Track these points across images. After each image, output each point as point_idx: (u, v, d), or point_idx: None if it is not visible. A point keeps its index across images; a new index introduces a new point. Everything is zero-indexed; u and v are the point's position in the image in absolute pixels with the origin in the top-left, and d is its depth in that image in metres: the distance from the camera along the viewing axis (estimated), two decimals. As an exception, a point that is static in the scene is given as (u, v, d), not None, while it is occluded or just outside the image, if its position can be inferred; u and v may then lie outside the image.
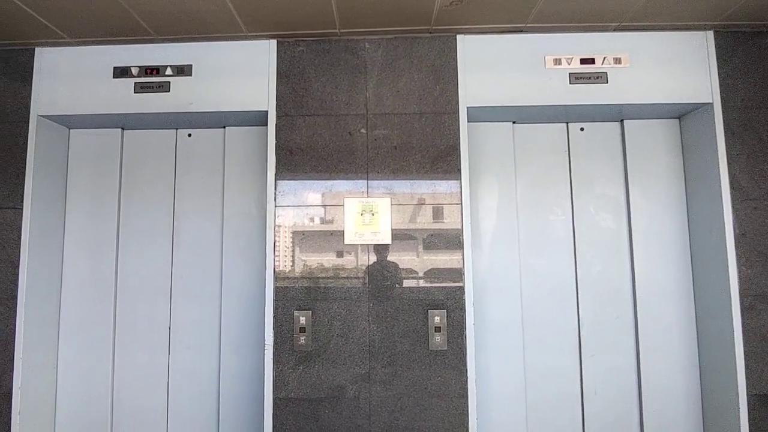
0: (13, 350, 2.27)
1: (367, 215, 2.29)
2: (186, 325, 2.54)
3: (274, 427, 2.19)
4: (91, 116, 2.42)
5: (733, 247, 2.20)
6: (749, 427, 2.13)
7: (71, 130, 2.60)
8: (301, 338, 2.23)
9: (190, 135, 2.63)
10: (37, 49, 2.42)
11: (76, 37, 2.33)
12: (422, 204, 2.29)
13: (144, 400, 2.51)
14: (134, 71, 2.39)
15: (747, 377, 2.15)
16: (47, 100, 2.39)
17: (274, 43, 2.37)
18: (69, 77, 2.40)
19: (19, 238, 2.32)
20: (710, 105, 2.28)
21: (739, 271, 2.20)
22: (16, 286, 2.30)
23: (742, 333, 2.17)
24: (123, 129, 2.61)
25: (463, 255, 2.25)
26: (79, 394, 2.49)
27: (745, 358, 2.16)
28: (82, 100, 2.39)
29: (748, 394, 2.14)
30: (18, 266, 2.31)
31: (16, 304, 2.29)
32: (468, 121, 2.33)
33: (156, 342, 2.53)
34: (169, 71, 2.38)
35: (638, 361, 2.43)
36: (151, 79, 2.38)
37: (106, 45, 2.41)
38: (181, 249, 2.58)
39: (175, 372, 2.52)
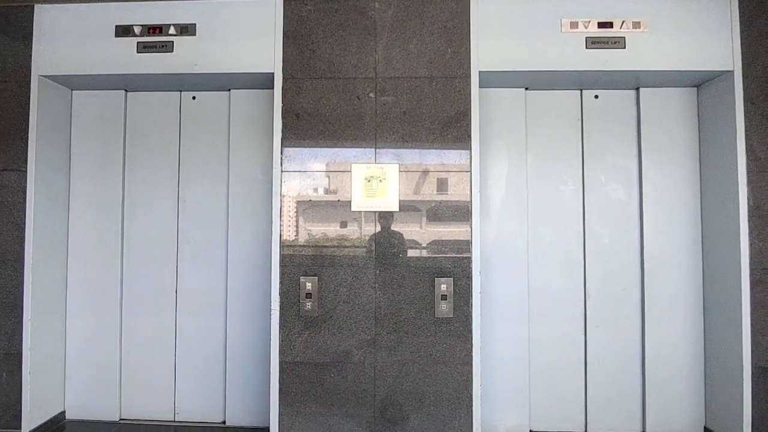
0: (22, 312, 2.29)
1: (374, 182, 2.25)
2: (192, 289, 2.55)
3: (280, 390, 2.22)
4: (93, 77, 2.37)
5: (746, 220, 2.17)
6: (752, 398, 2.14)
7: (74, 92, 2.55)
8: (308, 304, 2.24)
9: (194, 98, 2.58)
10: (37, 6, 2.35)
11: (77, -7, 2.26)
12: (431, 172, 2.25)
13: (152, 362, 2.55)
14: (137, 30, 2.32)
15: (753, 349, 2.15)
16: (48, 59, 2.34)
17: (280, 1, 2.29)
18: (70, 36, 2.34)
19: (24, 200, 2.31)
20: (731, 73, 2.20)
21: (751, 245, 2.17)
22: (23, 248, 2.30)
23: (750, 306, 2.16)
24: (126, 91, 2.56)
25: (471, 223, 2.22)
26: (88, 355, 2.52)
27: (751, 331, 2.15)
28: (83, 60, 2.33)
29: (753, 366, 2.14)
30: (24, 228, 2.31)
31: (23, 266, 2.30)
32: (480, 87, 2.26)
33: (163, 305, 2.55)
34: (172, 30, 2.31)
35: (643, 332, 2.43)
36: (154, 38, 2.31)
37: (107, 2, 2.33)
38: (187, 213, 2.56)
39: (182, 334, 2.54)
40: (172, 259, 2.56)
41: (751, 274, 2.17)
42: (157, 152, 2.57)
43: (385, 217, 2.26)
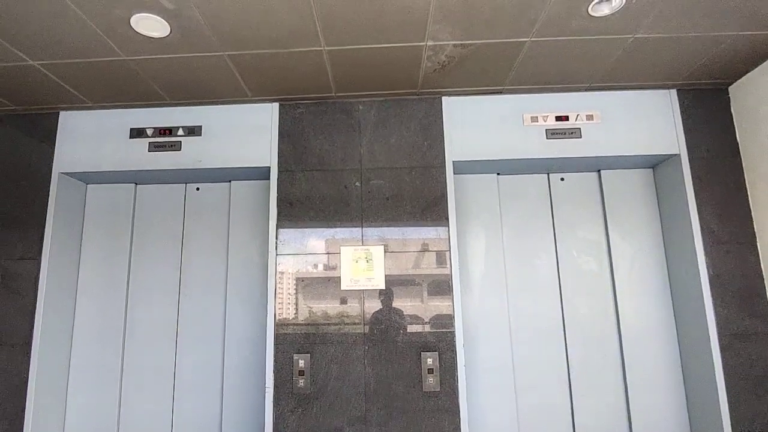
0: (26, 394, 2.38)
1: (362, 262, 2.44)
2: (190, 369, 2.65)
3: (273, 469, 2.26)
4: (108, 173, 2.63)
5: (709, 289, 2.33)
6: (736, 465, 2.18)
7: (88, 185, 2.80)
8: (300, 381, 2.33)
9: (198, 189, 2.84)
10: (62, 113, 2.66)
11: (98, 102, 2.58)
12: (413, 251, 2.45)
13: (148, 444, 2.59)
14: (149, 132, 2.62)
15: (731, 414, 2.22)
16: (68, 158, 2.61)
17: (276, 105, 2.61)
18: (89, 138, 2.63)
19: (36, 287, 2.48)
20: (678, 156, 2.47)
21: (716, 312, 2.32)
22: (32, 333, 2.44)
23: (723, 371, 2.26)
24: (136, 184, 2.82)
25: (452, 299, 2.38)
26: (86, 438, 2.57)
27: (727, 396, 2.24)
28: (100, 159, 2.61)
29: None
30: (34, 314, 2.45)
31: (30, 350, 2.42)
32: (455, 173, 2.52)
33: (161, 386, 2.63)
34: (180, 132, 2.61)
35: (627, 399, 2.50)
36: (164, 139, 2.61)
37: (124, 108, 2.65)
38: (187, 297, 2.72)
39: (178, 414, 2.61)
40: (171, 341, 2.68)
41: (720, 340, 2.29)
42: (163, 238, 2.78)
43: (373, 295, 2.42)
